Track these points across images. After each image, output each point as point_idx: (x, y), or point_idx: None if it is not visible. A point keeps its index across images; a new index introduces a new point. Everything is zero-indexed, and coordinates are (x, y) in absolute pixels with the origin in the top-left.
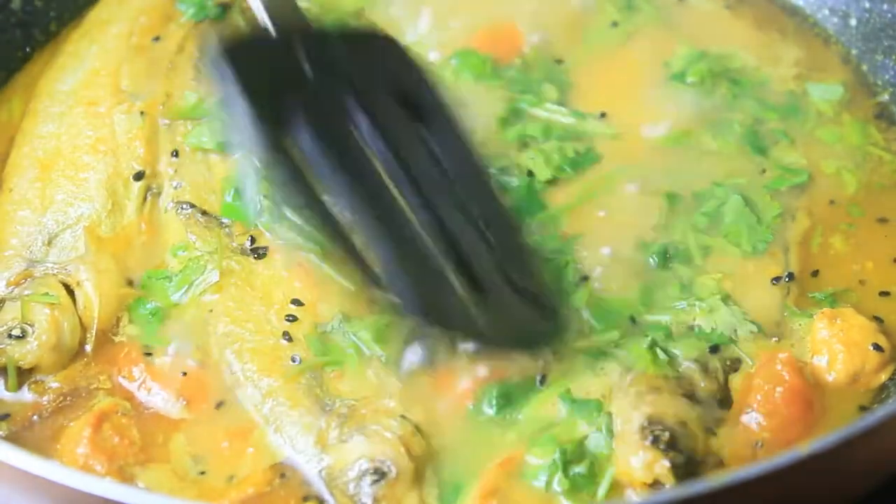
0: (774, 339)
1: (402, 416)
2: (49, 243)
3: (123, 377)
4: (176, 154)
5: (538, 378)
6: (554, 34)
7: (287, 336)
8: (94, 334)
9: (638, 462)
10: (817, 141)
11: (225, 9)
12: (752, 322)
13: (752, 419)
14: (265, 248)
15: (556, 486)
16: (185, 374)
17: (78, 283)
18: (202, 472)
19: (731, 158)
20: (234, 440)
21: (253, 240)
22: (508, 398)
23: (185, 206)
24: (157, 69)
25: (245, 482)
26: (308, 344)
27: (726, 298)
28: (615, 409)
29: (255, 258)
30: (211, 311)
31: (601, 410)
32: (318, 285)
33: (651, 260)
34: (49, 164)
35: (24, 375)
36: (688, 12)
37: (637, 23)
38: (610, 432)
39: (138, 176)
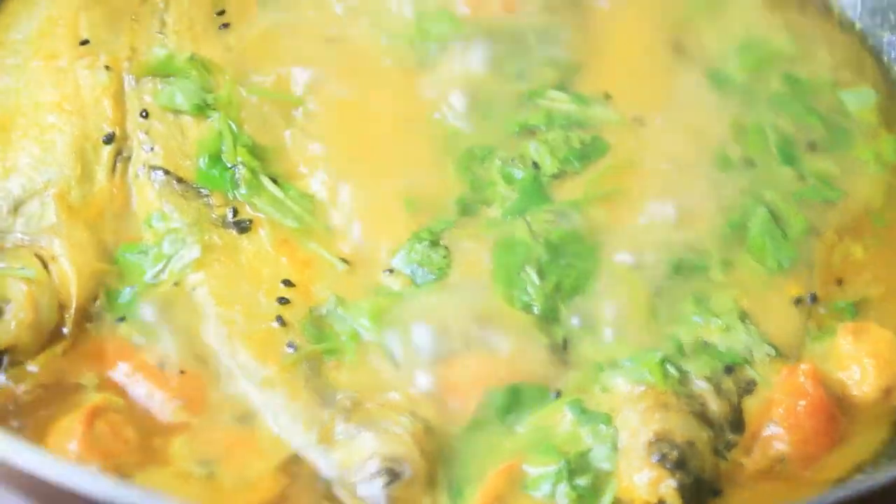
0: (791, 362)
1: (412, 413)
2: (14, 211)
3: (116, 374)
4: (145, 114)
5: (553, 393)
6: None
7: (280, 320)
8: (72, 314)
9: (643, 480)
10: (853, 156)
11: None
12: (770, 344)
13: (773, 433)
14: (249, 220)
15: (559, 498)
16: (182, 372)
17: (53, 258)
18: (209, 474)
19: (759, 165)
20: (237, 437)
21: (235, 211)
22: (518, 402)
23: (158, 171)
24: (119, 19)
25: (255, 489)
26: (303, 329)
27: (744, 317)
28: (621, 422)
29: (237, 232)
30: (194, 289)
31: (609, 424)
32: (307, 264)
33: (667, 269)
34: (7, 124)
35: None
36: None
37: None
38: (615, 447)
39: (108, 138)
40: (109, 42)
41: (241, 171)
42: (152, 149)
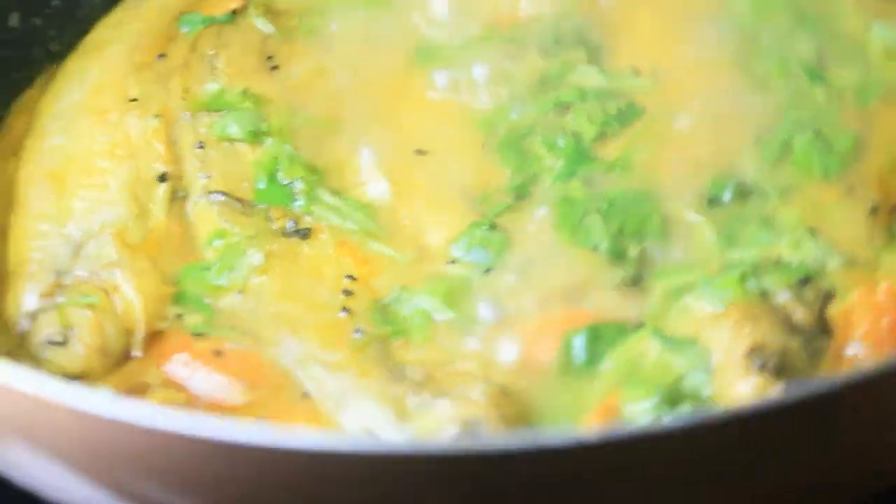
0: (869, 266)
1: (487, 379)
2: (75, 255)
3: (173, 368)
4: (202, 146)
5: (634, 323)
6: None
7: (345, 310)
8: (141, 338)
9: (748, 390)
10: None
11: (234, 14)
12: (841, 252)
13: (857, 351)
14: (308, 228)
15: None
16: (240, 353)
17: (115, 288)
18: None
19: (791, 89)
20: (303, 412)
21: (295, 221)
22: (598, 341)
23: (216, 194)
24: (168, 77)
25: None
26: (369, 317)
27: (812, 231)
28: (711, 342)
29: (299, 239)
30: (258, 295)
31: (696, 347)
32: (367, 262)
33: (726, 196)
34: (62, 175)
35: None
36: None
37: None
38: (708, 369)
39: (162, 177)
40: (159, 95)
41: (299, 186)
42: (209, 176)
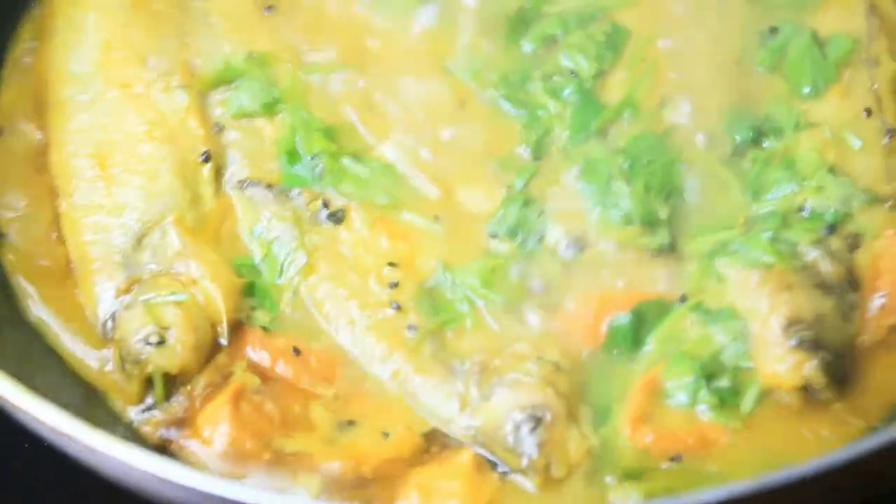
0: (889, 203)
1: (538, 358)
2: (138, 245)
3: (253, 354)
4: (219, 128)
5: (677, 301)
6: None
7: (395, 305)
8: (225, 328)
9: (785, 367)
10: None
11: None
12: (864, 191)
13: (883, 304)
14: (341, 210)
15: (700, 405)
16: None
17: (193, 281)
18: (350, 435)
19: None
20: (374, 403)
21: (326, 204)
22: (642, 322)
23: (248, 183)
24: (166, 29)
25: (398, 445)
26: (418, 308)
27: (833, 170)
28: (748, 312)
29: (334, 224)
30: (312, 296)
31: (735, 318)
32: (404, 237)
33: (742, 136)
34: (104, 160)
35: (169, 383)
36: None
37: None
38: (745, 339)
39: (205, 157)
40: (170, 56)
41: (322, 160)
42: (236, 159)
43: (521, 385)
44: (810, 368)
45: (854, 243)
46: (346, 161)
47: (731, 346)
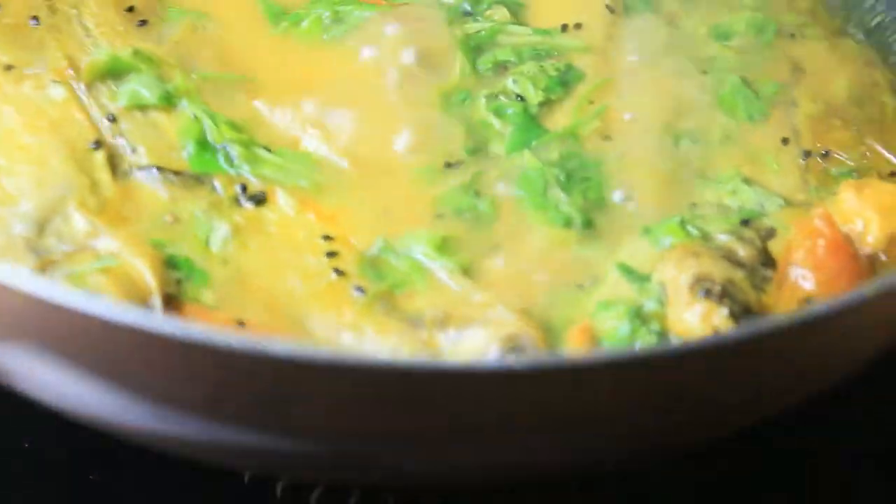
0: (805, 207)
1: (502, 304)
2: (41, 232)
3: None
4: (112, 118)
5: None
6: None
7: (337, 271)
8: (158, 300)
9: (694, 316)
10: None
11: None
12: (778, 195)
13: (797, 275)
14: (261, 192)
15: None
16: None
17: (112, 255)
18: None
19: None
20: None
21: (244, 187)
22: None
23: (150, 169)
24: (25, 36)
25: None
26: (362, 274)
27: (748, 181)
28: (660, 276)
29: (255, 205)
30: (240, 271)
31: (650, 281)
32: (333, 218)
33: (670, 157)
34: None
35: None
36: None
37: None
38: (662, 301)
39: (96, 144)
40: (34, 60)
41: (235, 148)
42: (134, 150)
43: (493, 322)
44: (719, 317)
45: (767, 235)
46: (259, 150)
47: (647, 305)
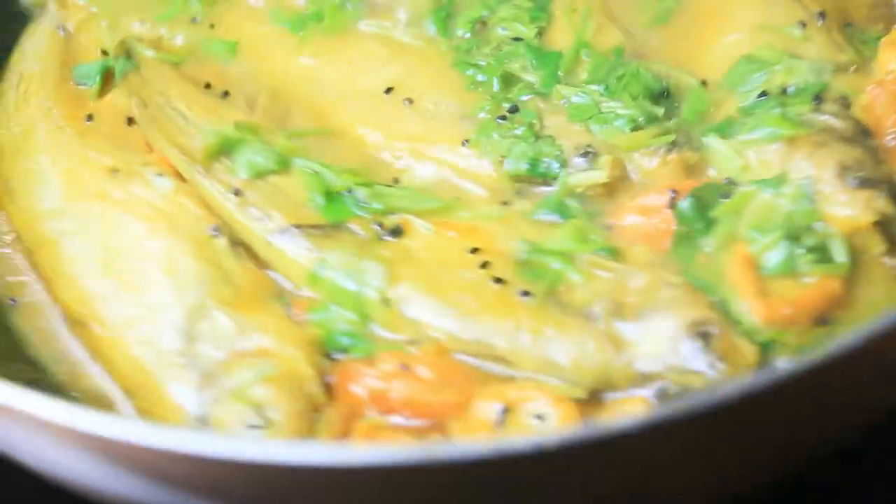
0: (853, 67)
1: (667, 283)
2: (191, 340)
3: (363, 388)
4: (238, 192)
5: (723, 181)
6: None
7: (497, 279)
8: (319, 383)
9: (857, 208)
10: None
11: (124, 53)
12: (826, 61)
13: (894, 142)
14: (398, 224)
15: (801, 265)
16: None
17: (266, 352)
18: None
19: None
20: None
21: (381, 224)
22: (702, 203)
23: (289, 230)
24: (122, 135)
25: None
26: (520, 277)
27: (793, 55)
28: (799, 174)
29: (398, 238)
30: (405, 303)
31: (789, 182)
32: (473, 231)
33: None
34: (118, 272)
35: None
36: None
37: None
38: (807, 199)
39: (216, 230)
40: (135, 158)
41: (359, 191)
42: (269, 217)
43: (675, 305)
44: (880, 200)
45: (845, 103)
46: (380, 188)
47: (797, 208)
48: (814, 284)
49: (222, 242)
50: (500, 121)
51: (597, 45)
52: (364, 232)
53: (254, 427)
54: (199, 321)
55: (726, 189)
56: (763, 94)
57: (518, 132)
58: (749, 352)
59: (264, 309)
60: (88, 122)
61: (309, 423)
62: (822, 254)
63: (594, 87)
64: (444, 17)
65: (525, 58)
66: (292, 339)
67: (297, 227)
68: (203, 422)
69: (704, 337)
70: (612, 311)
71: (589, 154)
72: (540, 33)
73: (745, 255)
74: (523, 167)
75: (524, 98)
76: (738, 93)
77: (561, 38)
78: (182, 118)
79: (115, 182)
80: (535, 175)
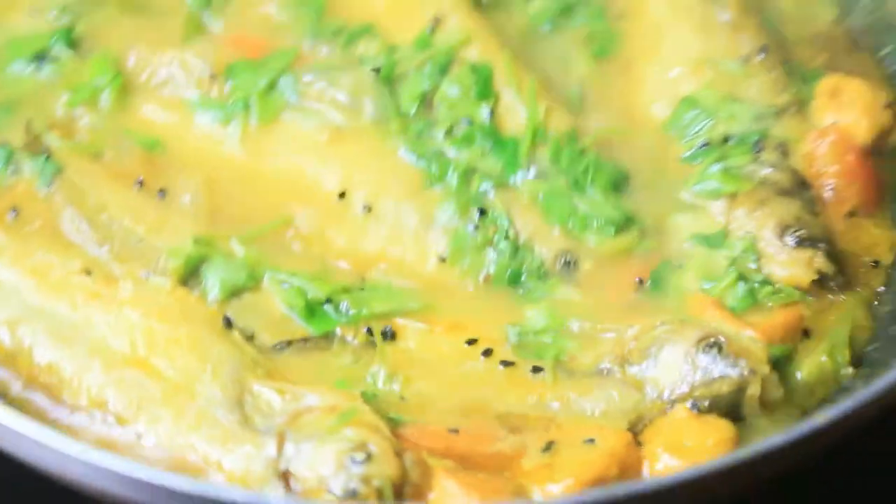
0: (791, 109)
1: (660, 322)
2: (243, 411)
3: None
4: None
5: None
6: None
7: (505, 363)
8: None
9: (798, 268)
10: None
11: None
12: (768, 106)
13: (833, 193)
14: (387, 327)
15: (760, 297)
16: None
17: (328, 407)
18: (561, 455)
19: None
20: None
21: (369, 330)
22: (661, 279)
23: (280, 346)
24: (54, 240)
25: (610, 443)
26: (525, 357)
27: (732, 98)
28: (740, 232)
29: (392, 340)
30: (422, 397)
31: (727, 236)
32: (460, 325)
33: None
34: (135, 360)
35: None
36: None
37: None
38: (751, 254)
39: (227, 323)
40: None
41: (341, 299)
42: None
43: (672, 336)
44: (818, 260)
45: (784, 151)
46: (358, 293)
47: (741, 261)
48: (780, 310)
49: (236, 334)
50: (472, 232)
51: (549, 128)
52: (355, 339)
53: (354, 462)
54: (244, 395)
55: (679, 260)
56: (705, 143)
57: (495, 243)
58: (758, 349)
59: (303, 381)
60: (13, 215)
61: (401, 459)
62: (774, 286)
63: (561, 181)
64: (391, 86)
65: (480, 144)
66: (347, 395)
67: (288, 343)
68: (281, 478)
69: (716, 346)
70: (621, 361)
71: (570, 263)
72: (492, 113)
73: (710, 299)
74: (504, 281)
75: (485, 188)
76: (682, 140)
77: (509, 118)
78: (136, 239)
79: (113, 284)
80: (516, 287)
